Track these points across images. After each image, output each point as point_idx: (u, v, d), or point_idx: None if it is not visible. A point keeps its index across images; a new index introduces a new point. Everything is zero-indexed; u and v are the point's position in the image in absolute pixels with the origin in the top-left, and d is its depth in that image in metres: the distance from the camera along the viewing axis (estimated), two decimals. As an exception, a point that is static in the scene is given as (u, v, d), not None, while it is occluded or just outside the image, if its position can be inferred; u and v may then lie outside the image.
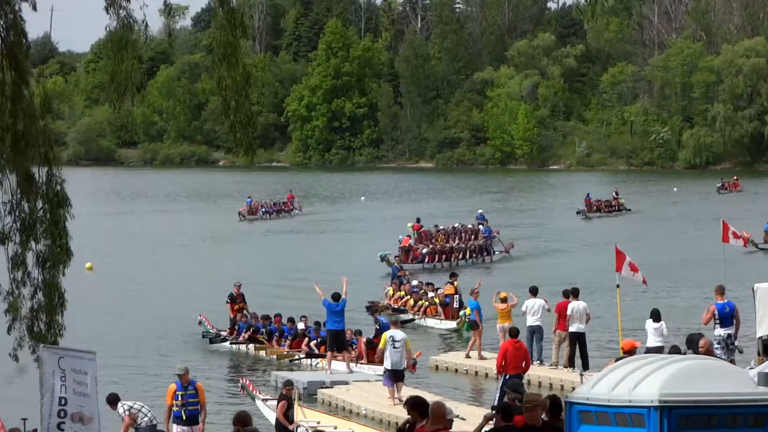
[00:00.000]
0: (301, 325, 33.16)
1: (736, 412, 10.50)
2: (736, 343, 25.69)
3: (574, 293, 29.05)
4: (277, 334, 33.53)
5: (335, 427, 23.58)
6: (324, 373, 29.70)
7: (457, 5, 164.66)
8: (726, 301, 25.87)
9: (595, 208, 77.47)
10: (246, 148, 13.44)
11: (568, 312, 28.33)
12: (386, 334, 26.77)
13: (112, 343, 33.83)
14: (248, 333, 34.13)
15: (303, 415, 23.52)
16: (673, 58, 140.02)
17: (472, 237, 56.85)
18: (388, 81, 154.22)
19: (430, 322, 37.76)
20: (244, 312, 35.49)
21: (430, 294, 38.57)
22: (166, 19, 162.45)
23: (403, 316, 37.53)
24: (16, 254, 14.31)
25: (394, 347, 26.07)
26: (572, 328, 28.38)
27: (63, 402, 14.75)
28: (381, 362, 27.57)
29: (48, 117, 14.45)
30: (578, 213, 76.90)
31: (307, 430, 23.14)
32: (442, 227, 59.15)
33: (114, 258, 55.78)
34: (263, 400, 24.74)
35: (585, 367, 27.70)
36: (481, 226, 59.20)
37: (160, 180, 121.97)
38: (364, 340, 30.58)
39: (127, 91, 13.20)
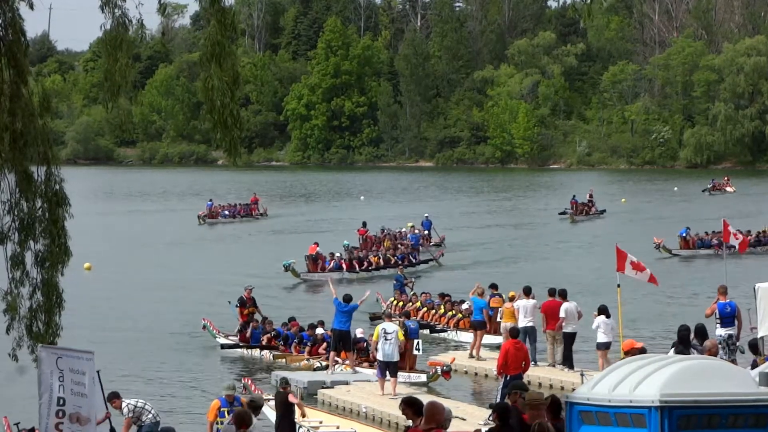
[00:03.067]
0: (319, 330, 32.12)
1: (737, 413, 10.49)
2: (738, 343, 25.63)
3: (562, 294, 28.96)
4: (295, 340, 32.42)
5: (337, 427, 23.55)
6: (325, 372, 29.62)
7: (457, 4, 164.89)
8: (728, 300, 25.80)
9: (579, 210, 76.34)
10: (228, 149, 13.30)
11: (561, 314, 28.33)
12: (379, 327, 27.11)
13: (110, 343, 33.77)
14: (265, 339, 33.05)
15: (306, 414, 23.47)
16: (674, 57, 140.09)
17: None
18: (388, 80, 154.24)
19: (464, 336, 34.38)
20: (255, 317, 34.55)
21: (464, 306, 35.43)
22: (162, 18, 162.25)
23: (430, 330, 35.50)
24: (14, 254, 14.27)
25: (386, 339, 26.33)
26: (567, 329, 28.38)
27: (61, 402, 14.71)
28: (412, 368, 27.98)
29: (47, 116, 14.38)
30: (561, 214, 75.48)
31: (308, 430, 23.10)
32: (388, 231, 57.38)
33: (112, 258, 55.69)
34: (265, 400, 24.66)
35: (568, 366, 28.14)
36: (409, 234, 56.88)
37: (159, 179, 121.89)
38: None
39: (121, 91, 13.14)
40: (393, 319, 29.10)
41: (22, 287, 14.21)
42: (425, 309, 37.10)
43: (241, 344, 33.67)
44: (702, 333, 22.45)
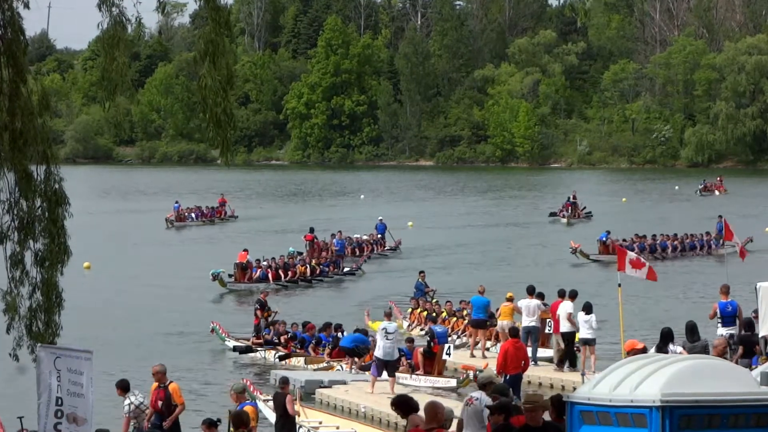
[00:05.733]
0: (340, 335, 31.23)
1: (738, 412, 10.46)
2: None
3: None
4: (312, 342, 31.76)
5: (337, 427, 23.52)
6: (325, 372, 29.59)
7: (458, 2, 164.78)
8: (729, 300, 25.71)
9: (573, 213, 74.45)
10: (221, 147, 13.26)
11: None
12: (380, 325, 27.03)
13: (111, 343, 33.75)
14: (284, 340, 32.39)
15: (304, 414, 23.44)
16: (675, 56, 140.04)
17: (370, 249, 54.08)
18: (388, 78, 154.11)
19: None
20: (268, 320, 33.96)
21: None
22: (160, 17, 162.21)
23: (459, 341, 33.42)
24: (14, 253, 14.25)
25: (386, 338, 26.23)
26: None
27: (59, 402, 14.66)
28: (440, 373, 28.01)
29: (46, 115, 14.38)
30: (551, 216, 73.65)
31: (308, 430, 23.07)
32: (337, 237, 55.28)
33: (112, 257, 55.63)
34: (264, 401, 24.64)
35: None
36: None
37: (158, 178, 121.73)
38: (421, 350, 28.43)
39: (118, 90, 13.12)
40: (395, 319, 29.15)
41: (21, 287, 14.20)
42: (455, 318, 34.90)
43: (254, 346, 33.05)
44: (692, 330, 22.32)
